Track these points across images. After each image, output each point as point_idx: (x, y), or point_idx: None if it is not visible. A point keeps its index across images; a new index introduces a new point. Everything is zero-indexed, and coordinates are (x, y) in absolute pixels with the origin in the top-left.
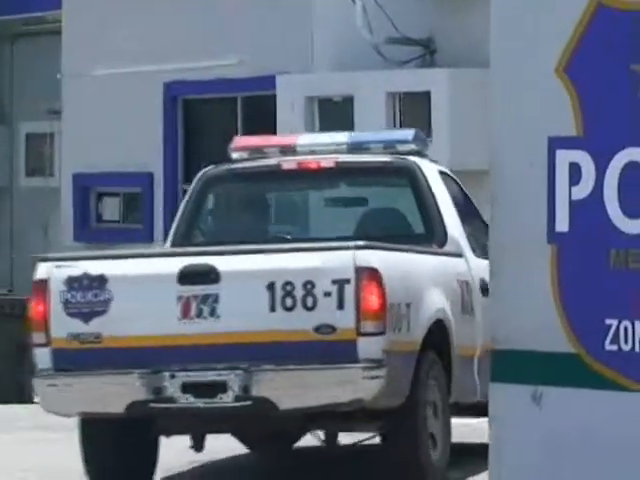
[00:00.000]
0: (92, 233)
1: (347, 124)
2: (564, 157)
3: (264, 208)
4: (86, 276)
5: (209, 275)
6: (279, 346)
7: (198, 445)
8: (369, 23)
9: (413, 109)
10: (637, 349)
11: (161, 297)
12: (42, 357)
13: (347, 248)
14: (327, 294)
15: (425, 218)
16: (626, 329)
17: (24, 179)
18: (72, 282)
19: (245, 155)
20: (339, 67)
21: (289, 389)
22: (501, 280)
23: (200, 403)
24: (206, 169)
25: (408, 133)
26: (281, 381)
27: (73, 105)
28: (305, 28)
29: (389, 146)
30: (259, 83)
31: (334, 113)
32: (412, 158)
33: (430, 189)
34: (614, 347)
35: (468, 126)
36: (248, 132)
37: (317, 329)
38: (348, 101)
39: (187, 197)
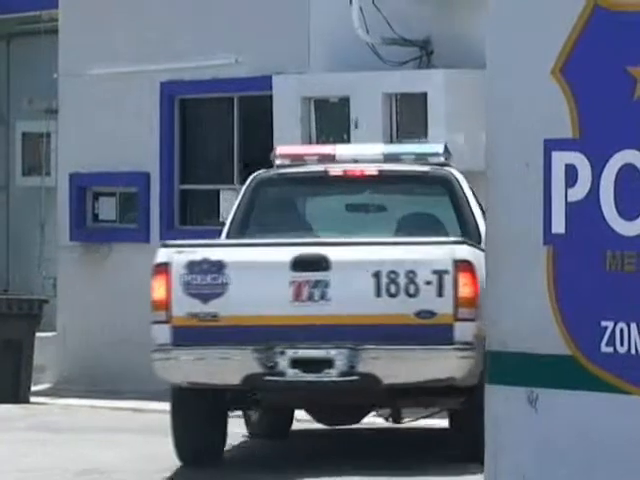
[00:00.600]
0: (88, 232)
1: (343, 125)
2: (560, 159)
3: (310, 210)
4: (206, 261)
5: (321, 263)
6: (383, 328)
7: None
8: (366, 24)
9: (410, 110)
10: (633, 351)
11: (275, 282)
12: (162, 333)
13: (446, 243)
14: (428, 283)
15: (462, 222)
16: (622, 331)
17: (20, 178)
18: (192, 266)
19: (287, 162)
20: (336, 67)
21: (392, 366)
22: (497, 281)
23: (309, 377)
24: (256, 173)
25: (438, 147)
26: (384, 359)
27: (69, 104)
28: (302, 28)
29: (421, 158)
30: (255, 83)
31: (330, 113)
32: (447, 168)
33: (465, 196)
34: (610, 349)
35: (464, 127)
36: (245, 132)
37: (418, 314)
38: (345, 101)
39: (240, 197)
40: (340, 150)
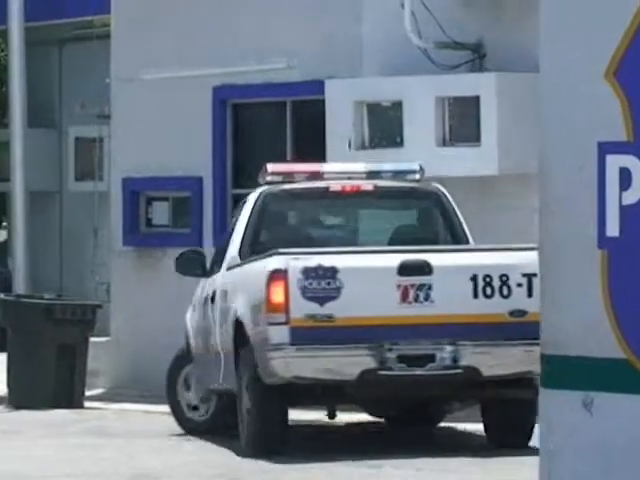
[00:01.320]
0: (141, 237)
1: (396, 129)
2: (614, 162)
3: (313, 222)
4: (320, 267)
5: (424, 268)
6: (481, 326)
7: (332, 414)
8: (418, 28)
9: (462, 113)
10: None
11: (383, 285)
12: (281, 334)
13: (534, 249)
14: (519, 285)
15: (452, 231)
16: None
17: (73, 183)
18: (308, 272)
19: (279, 179)
20: (388, 72)
21: (490, 360)
22: (551, 285)
23: (417, 371)
24: (262, 189)
25: (414, 165)
26: (484, 354)
27: (122, 109)
28: (354, 32)
29: (398, 175)
30: (308, 87)
31: (383, 118)
32: (433, 184)
33: (453, 208)
34: None
35: (517, 130)
36: (297, 136)
37: (511, 313)
38: (397, 106)
39: (249, 212)
40: (326, 168)
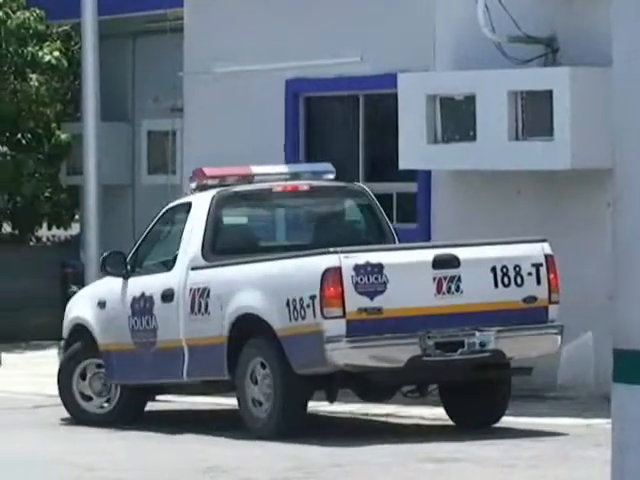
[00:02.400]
0: None
1: (469, 123)
2: None
3: (264, 220)
4: (368, 264)
5: (453, 262)
6: (501, 312)
7: (331, 397)
8: (491, 21)
9: (535, 108)
10: None
11: (422, 278)
12: (337, 326)
13: (538, 241)
14: (529, 274)
15: (380, 228)
16: None
17: (146, 177)
18: (359, 268)
19: (214, 182)
20: (461, 65)
21: (512, 344)
22: (625, 281)
23: (454, 356)
24: (213, 193)
25: (328, 165)
26: (506, 338)
27: (194, 103)
28: (427, 26)
29: (317, 175)
30: (381, 81)
31: (456, 112)
32: (358, 183)
33: (377, 205)
34: None
35: (590, 125)
36: (369, 130)
37: (524, 300)
38: (470, 100)
39: (205, 214)
40: (255, 170)
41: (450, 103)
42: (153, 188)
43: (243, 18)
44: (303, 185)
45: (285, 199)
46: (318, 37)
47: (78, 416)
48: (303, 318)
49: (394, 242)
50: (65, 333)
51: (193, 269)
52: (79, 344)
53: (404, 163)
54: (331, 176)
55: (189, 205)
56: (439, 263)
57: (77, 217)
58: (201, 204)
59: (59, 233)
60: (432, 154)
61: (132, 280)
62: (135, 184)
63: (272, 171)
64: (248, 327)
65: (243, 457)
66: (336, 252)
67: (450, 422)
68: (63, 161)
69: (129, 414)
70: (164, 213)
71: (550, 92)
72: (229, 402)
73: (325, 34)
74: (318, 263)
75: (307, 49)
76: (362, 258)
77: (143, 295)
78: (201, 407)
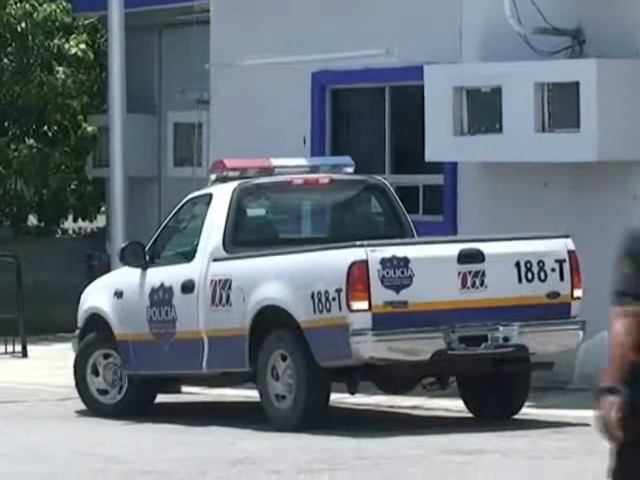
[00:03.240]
0: None
1: (495, 115)
2: None
3: (284, 212)
4: (395, 257)
5: (478, 257)
6: (525, 308)
7: (353, 389)
8: (518, 13)
9: (561, 100)
10: None
11: (447, 273)
12: (363, 319)
13: (561, 237)
14: (553, 270)
15: (399, 221)
16: None
17: (172, 169)
18: (385, 262)
19: (235, 174)
20: (487, 57)
21: (535, 338)
22: None
23: (477, 350)
24: (235, 184)
25: (347, 159)
26: (529, 332)
27: (221, 95)
28: (453, 18)
29: (336, 168)
30: (407, 73)
31: (482, 104)
32: (377, 176)
33: (395, 198)
34: None
35: (617, 117)
36: (395, 122)
37: (548, 295)
38: (496, 91)
39: (227, 206)
40: (275, 162)
41: (476, 95)
42: (179, 180)
43: (269, 10)
44: (323, 178)
45: (305, 192)
46: (344, 29)
47: (94, 408)
48: (328, 311)
49: (412, 236)
50: (80, 322)
51: (214, 260)
52: (88, 339)
53: (430, 155)
54: (350, 169)
55: (210, 196)
56: (464, 258)
57: (103, 209)
58: (222, 196)
59: (85, 225)
60: (458, 146)
61: (151, 271)
62: (161, 176)
63: (292, 164)
64: (271, 319)
65: (270, 449)
66: (362, 245)
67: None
68: (89, 153)
69: (137, 406)
70: (183, 204)
71: (577, 84)
72: (252, 394)
73: (351, 26)
74: (345, 256)
75: (333, 42)
76: (388, 252)
77: (162, 286)
78: (225, 399)
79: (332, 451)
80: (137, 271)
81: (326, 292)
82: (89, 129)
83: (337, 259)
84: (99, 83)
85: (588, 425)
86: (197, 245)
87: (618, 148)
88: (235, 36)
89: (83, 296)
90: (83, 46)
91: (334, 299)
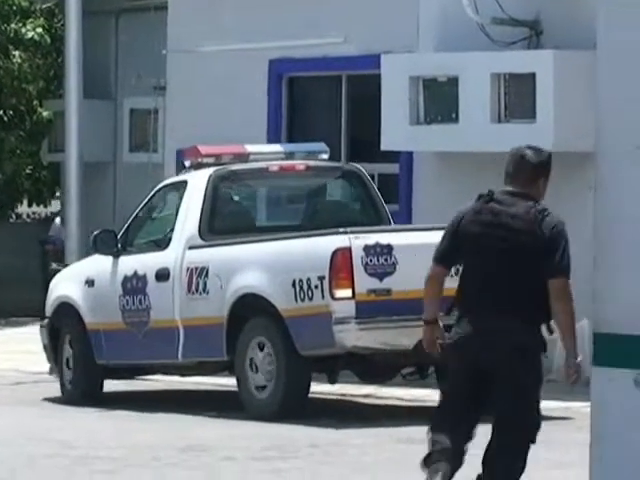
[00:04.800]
0: None
1: (452, 104)
2: None
3: (260, 200)
4: (378, 245)
5: None
6: None
7: (333, 379)
8: (475, 3)
9: (518, 90)
10: None
11: (430, 260)
12: (347, 308)
13: None
14: None
15: (376, 209)
16: None
17: (127, 155)
18: (368, 249)
19: (210, 160)
20: (444, 47)
21: None
22: (605, 263)
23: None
24: (210, 171)
25: (322, 145)
26: None
27: (178, 81)
28: (411, 7)
29: (311, 154)
30: (364, 62)
31: (439, 93)
32: (352, 163)
33: (373, 187)
34: None
35: (573, 108)
36: (352, 111)
37: None
38: (453, 81)
39: (202, 193)
40: (250, 149)
41: (433, 85)
42: (134, 166)
43: None
44: (299, 165)
45: (281, 179)
46: (302, 17)
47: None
48: (310, 299)
49: (389, 223)
50: (49, 312)
51: (190, 248)
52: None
53: (386, 144)
54: (325, 156)
55: (184, 183)
56: None
57: (58, 194)
58: (197, 183)
59: (39, 210)
60: (414, 135)
61: (123, 259)
62: (117, 162)
63: (267, 150)
64: (250, 307)
65: (225, 437)
66: (346, 232)
67: (428, 403)
68: (44, 138)
69: (86, 394)
70: (157, 191)
71: (533, 75)
72: (222, 382)
73: (309, 15)
74: (327, 243)
75: (291, 29)
76: (372, 239)
77: (135, 274)
78: (192, 387)
79: (285, 439)
80: (109, 259)
81: (308, 280)
82: (45, 114)
83: (320, 246)
84: (56, 68)
85: (569, 419)
86: (172, 232)
87: (574, 139)
88: (193, 22)
89: (52, 284)
90: (40, 30)
91: (316, 287)
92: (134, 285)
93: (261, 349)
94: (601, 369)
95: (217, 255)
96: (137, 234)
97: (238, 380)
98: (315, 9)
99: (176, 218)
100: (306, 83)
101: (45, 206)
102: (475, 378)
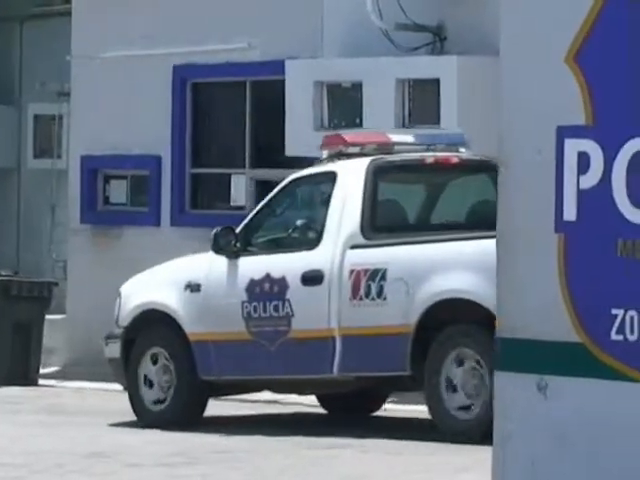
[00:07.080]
0: (99, 215)
1: (356, 110)
2: (573, 146)
3: (418, 194)
4: None
5: None
6: None
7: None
8: (379, 8)
9: (422, 96)
10: None
11: None
12: None
13: None
14: None
15: None
16: (632, 319)
17: (32, 160)
18: None
19: (356, 150)
20: (349, 52)
21: None
22: (507, 268)
23: None
24: (367, 162)
25: (462, 136)
26: None
27: (82, 87)
28: (315, 13)
29: (452, 145)
30: (268, 67)
31: (343, 99)
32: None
33: None
34: (620, 337)
35: (477, 114)
36: (256, 116)
37: None
38: (357, 87)
39: (362, 186)
40: (394, 139)
41: (337, 90)
42: (39, 172)
43: (132, 3)
44: (453, 157)
45: (437, 172)
46: (206, 23)
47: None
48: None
49: None
50: (124, 321)
51: (352, 248)
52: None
53: (290, 150)
54: (465, 146)
55: (332, 175)
56: None
57: None
58: (353, 174)
59: None
60: (319, 141)
61: (245, 260)
62: (21, 168)
63: (411, 140)
64: (449, 314)
65: (133, 444)
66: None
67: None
68: None
69: (187, 413)
70: (287, 185)
71: (437, 80)
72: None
73: (213, 20)
74: None
75: (195, 35)
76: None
77: (268, 277)
78: (91, 391)
79: (192, 446)
80: (221, 260)
81: None
82: None
83: None
84: None
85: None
86: (322, 231)
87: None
88: (97, 28)
89: (124, 291)
90: None
91: None
92: (266, 290)
93: (460, 363)
94: (505, 373)
95: (398, 255)
96: (262, 232)
97: (428, 402)
98: (219, 15)
99: (327, 214)
100: (210, 89)
101: None
102: None
